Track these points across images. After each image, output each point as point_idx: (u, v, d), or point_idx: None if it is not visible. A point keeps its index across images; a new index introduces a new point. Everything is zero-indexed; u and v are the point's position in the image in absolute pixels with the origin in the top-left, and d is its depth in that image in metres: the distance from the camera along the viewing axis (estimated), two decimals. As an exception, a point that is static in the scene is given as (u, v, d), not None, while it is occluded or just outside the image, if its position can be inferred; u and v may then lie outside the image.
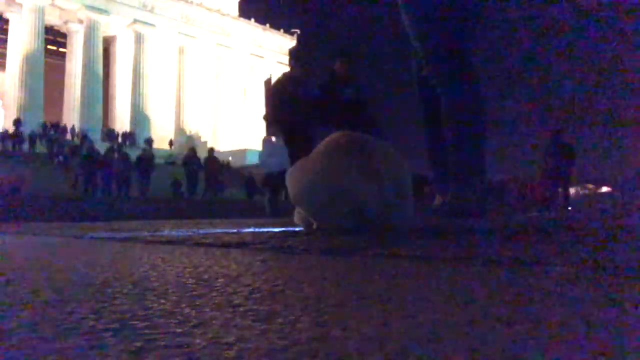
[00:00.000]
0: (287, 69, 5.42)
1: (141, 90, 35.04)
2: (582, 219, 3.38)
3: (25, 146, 24.28)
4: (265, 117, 4.73)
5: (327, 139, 1.90)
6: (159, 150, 27.67)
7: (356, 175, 1.71)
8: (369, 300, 0.59)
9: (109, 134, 31.29)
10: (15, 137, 24.39)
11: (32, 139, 24.90)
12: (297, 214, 2.00)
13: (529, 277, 0.76)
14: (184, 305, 0.58)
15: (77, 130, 29.97)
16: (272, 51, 42.78)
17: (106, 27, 34.46)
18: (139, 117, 34.54)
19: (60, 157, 20.90)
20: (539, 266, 0.86)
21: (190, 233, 2.06)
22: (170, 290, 0.68)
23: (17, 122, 25.96)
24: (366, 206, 1.72)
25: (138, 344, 0.41)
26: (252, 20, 42.50)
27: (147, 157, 15.03)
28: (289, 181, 1.87)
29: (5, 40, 33.00)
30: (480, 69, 2.41)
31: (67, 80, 34.61)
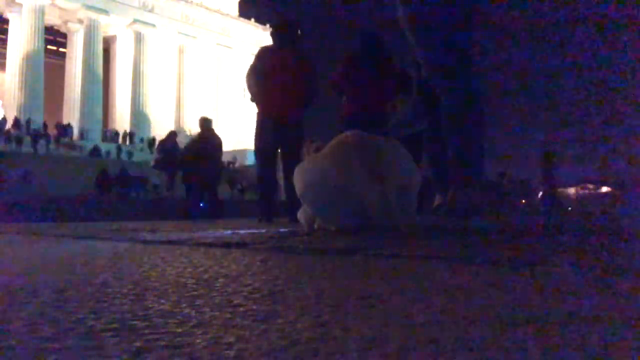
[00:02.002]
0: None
1: (141, 90, 35.04)
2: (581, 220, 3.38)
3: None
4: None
5: (336, 137, 1.92)
6: (159, 150, 27.66)
7: (360, 175, 1.72)
8: (369, 300, 0.59)
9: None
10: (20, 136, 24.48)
11: (34, 138, 24.93)
12: (303, 212, 2.00)
13: (529, 277, 0.76)
14: (184, 305, 0.58)
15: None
16: (272, 51, 42.74)
17: (106, 27, 34.47)
18: (139, 117, 34.55)
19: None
20: (539, 266, 0.86)
21: (190, 233, 2.06)
22: (170, 290, 0.68)
23: (17, 122, 26.05)
24: (369, 206, 1.72)
25: (138, 344, 0.41)
26: (252, 20, 42.50)
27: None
28: (297, 177, 1.89)
29: (5, 40, 33.00)
30: (479, 68, 2.41)
31: (67, 80, 34.61)
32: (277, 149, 3.85)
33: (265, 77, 3.76)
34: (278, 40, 3.88)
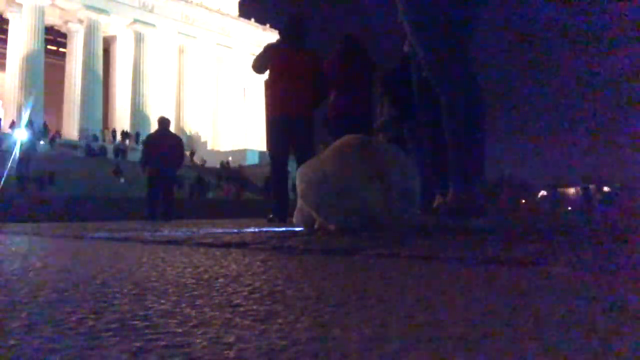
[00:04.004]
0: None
1: (141, 90, 35.03)
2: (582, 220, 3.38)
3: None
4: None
5: (338, 140, 1.94)
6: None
7: (362, 176, 1.74)
8: (369, 300, 0.59)
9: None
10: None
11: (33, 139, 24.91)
12: (298, 214, 2.01)
13: (529, 277, 0.76)
14: (184, 305, 0.58)
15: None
16: (272, 51, 42.74)
17: (106, 27, 34.45)
18: (139, 117, 34.54)
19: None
20: (539, 266, 0.86)
21: (190, 233, 2.06)
22: (170, 290, 0.68)
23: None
24: (370, 206, 1.73)
25: (138, 344, 0.41)
26: (252, 20, 42.51)
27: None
28: (299, 178, 1.90)
29: (5, 40, 32.99)
30: (479, 68, 2.42)
31: (67, 80, 34.60)
32: (289, 148, 3.79)
33: (274, 75, 3.65)
34: (287, 38, 3.77)
